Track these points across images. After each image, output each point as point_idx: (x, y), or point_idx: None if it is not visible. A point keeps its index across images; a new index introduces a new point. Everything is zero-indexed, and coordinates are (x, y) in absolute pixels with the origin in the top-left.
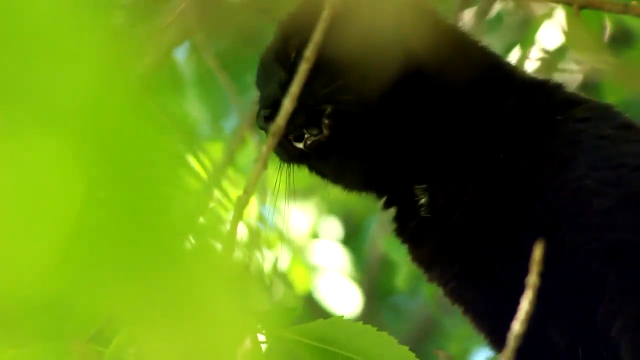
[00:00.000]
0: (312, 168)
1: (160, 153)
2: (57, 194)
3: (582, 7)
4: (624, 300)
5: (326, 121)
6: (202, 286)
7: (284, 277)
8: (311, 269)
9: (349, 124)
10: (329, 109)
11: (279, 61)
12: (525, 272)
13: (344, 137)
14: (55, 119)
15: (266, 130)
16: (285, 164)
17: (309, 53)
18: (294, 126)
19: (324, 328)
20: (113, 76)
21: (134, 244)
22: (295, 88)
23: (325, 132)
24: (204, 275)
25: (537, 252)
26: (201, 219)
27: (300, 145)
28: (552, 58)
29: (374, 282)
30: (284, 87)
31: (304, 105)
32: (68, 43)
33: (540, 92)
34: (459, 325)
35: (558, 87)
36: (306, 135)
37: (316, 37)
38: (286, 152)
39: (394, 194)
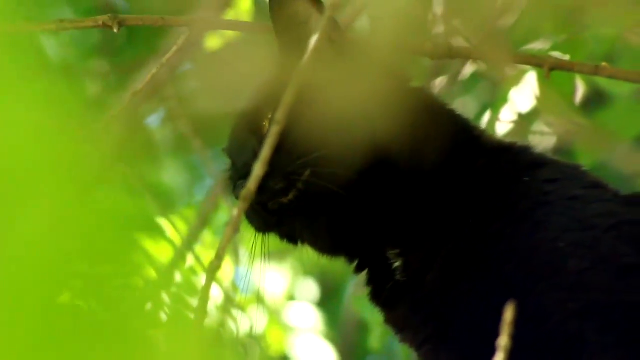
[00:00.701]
0: (283, 235)
1: (128, 218)
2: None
3: (552, 69)
4: (603, 358)
5: (300, 186)
6: (174, 354)
7: (259, 339)
8: (287, 330)
9: (316, 189)
10: (306, 174)
11: (252, 130)
12: (498, 334)
13: (307, 198)
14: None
15: (234, 192)
16: (260, 232)
17: (280, 116)
18: (272, 193)
19: None
20: (81, 146)
21: (95, 311)
22: (265, 152)
23: (290, 196)
24: (175, 342)
25: (509, 314)
26: (173, 287)
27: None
28: (525, 121)
29: (350, 343)
30: (257, 156)
31: (282, 172)
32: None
33: (507, 154)
34: None
35: (525, 150)
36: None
37: (287, 99)
38: (259, 219)
39: (365, 258)
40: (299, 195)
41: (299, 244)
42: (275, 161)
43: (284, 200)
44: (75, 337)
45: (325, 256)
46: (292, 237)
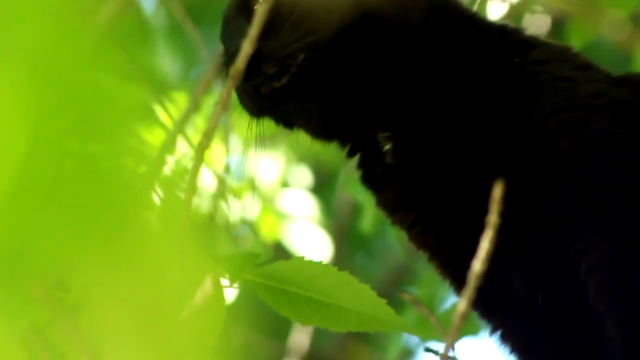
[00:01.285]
0: (277, 120)
1: (120, 100)
2: (4, 133)
3: None
4: (591, 240)
5: (293, 70)
6: (160, 234)
7: (252, 226)
8: (280, 216)
9: (309, 72)
10: (300, 58)
11: (243, 15)
12: (483, 209)
13: (300, 82)
14: (6, 58)
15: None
16: (254, 117)
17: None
18: (265, 77)
19: (285, 269)
20: (71, 21)
21: (86, 189)
22: (253, 31)
23: (283, 80)
24: (163, 222)
25: (497, 191)
26: (165, 168)
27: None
28: (520, 2)
29: (344, 229)
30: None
31: (275, 57)
32: None
33: (498, 36)
34: (426, 270)
35: (516, 31)
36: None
37: None
38: (253, 103)
39: (357, 141)
40: (292, 79)
41: (294, 129)
42: (268, 46)
43: (277, 84)
44: (63, 178)
45: (318, 140)
46: (286, 121)
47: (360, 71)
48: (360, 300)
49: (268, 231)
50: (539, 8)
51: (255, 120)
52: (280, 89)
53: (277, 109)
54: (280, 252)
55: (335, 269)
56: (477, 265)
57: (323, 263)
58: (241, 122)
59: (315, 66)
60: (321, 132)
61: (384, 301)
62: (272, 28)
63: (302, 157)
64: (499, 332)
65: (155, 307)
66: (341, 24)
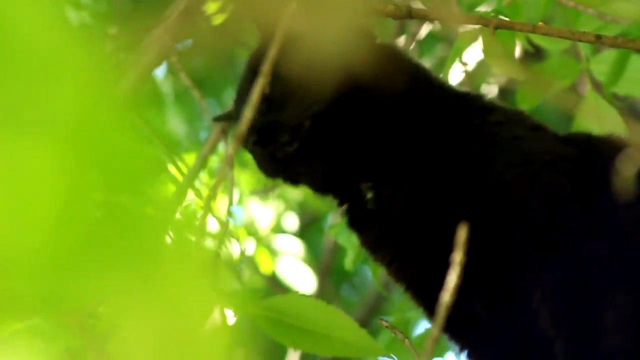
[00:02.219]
0: (286, 178)
1: (141, 159)
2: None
3: (496, 28)
4: (542, 274)
5: (302, 136)
6: (176, 271)
7: (250, 262)
8: (273, 255)
9: (313, 134)
10: (307, 125)
11: (252, 83)
12: (450, 249)
13: (307, 145)
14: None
15: (247, 146)
16: (269, 177)
17: (265, 68)
18: (280, 145)
19: (281, 303)
20: (98, 93)
21: (113, 233)
22: (255, 97)
23: (294, 145)
24: (178, 261)
25: (462, 234)
26: (177, 215)
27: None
28: (475, 72)
29: (329, 266)
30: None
31: (287, 127)
32: (60, 65)
33: (462, 101)
34: (400, 299)
35: (477, 97)
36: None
37: (271, 53)
38: (270, 167)
39: (346, 193)
40: (301, 144)
41: (298, 185)
42: (280, 118)
43: (290, 149)
44: (96, 226)
45: (317, 194)
46: (294, 179)
47: (351, 133)
48: (344, 329)
49: (263, 267)
50: (491, 77)
51: (265, 179)
52: (292, 153)
53: (288, 170)
54: (274, 283)
55: (324, 302)
56: (446, 296)
57: (313, 298)
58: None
59: (318, 131)
60: (321, 186)
61: (364, 331)
62: (281, 101)
63: (290, 207)
64: (465, 352)
65: (173, 332)
66: (337, 94)
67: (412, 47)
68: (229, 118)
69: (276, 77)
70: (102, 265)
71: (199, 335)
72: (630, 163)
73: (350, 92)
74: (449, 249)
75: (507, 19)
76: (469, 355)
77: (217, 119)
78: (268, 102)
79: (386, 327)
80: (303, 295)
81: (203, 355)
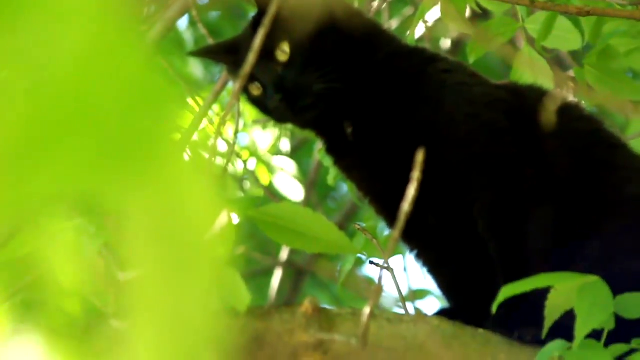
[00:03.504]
0: (297, 123)
1: (165, 90)
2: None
3: None
4: (481, 191)
5: (316, 96)
6: (192, 180)
7: (252, 176)
8: (271, 170)
9: (324, 95)
10: (320, 87)
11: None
12: (410, 170)
13: (319, 103)
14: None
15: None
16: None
17: (266, 21)
18: (303, 107)
19: (277, 209)
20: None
21: (140, 146)
22: (256, 44)
23: (309, 101)
24: (193, 172)
25: (420, 157)
26: (194, 137)
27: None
28: (434, 28)
29: (315, 181)
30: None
31: (311, 92)
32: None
33: (418, 54)
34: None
35: (425, 50)
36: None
37: (272, 9)
38: (286, 116)
39: (330, 129)
40: (314, 101)
41: (303, 127)
42: (303, 83)
43: (306, 104)
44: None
45: (311, 130)
46: (301, 126)
47: (345, 91)
48: (326, 231)
49: (262, 180)
50: (447, 32)
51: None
52: (306, 107)
53: (298, 120)
54: (270, 194)
55: (310, 210)
56: (406, 206)
57: (301, 206)
58: (246, 109)
59: (327, 93)
60: (318, 128)
61: (342, 233)
62: (300, 65)
63: (284, 133)
64: (415, 252)
65: (186, 228)
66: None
67: (383, 7)
68: (208, 52)
69: (293, 45)
70: (126, 171)
71: (209, 232)
72: (553, 102)
73: (346, 61)
74: (409, 169)
75: None
76: (417, 255)
77: (192, 54)
78: (289, 64)
79: (359, 230)
80: (294, 203)
81: (213, 248)
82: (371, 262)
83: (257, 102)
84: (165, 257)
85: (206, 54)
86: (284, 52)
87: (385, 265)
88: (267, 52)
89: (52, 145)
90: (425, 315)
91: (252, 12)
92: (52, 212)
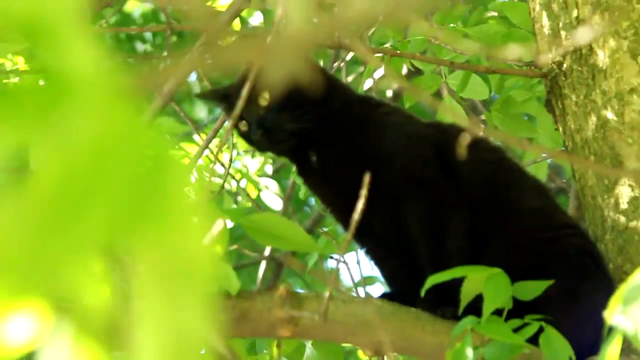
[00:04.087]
0: (274, 152)
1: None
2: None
3: (392, 56)
4: (412, 204)
5: (289, 133)
6: (195, 196)
7: (243, 192)
8: (258, 188)
9: (296, 133)
10: (292, 126)
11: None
12: (359, 189)
13: (291, 138)
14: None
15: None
16: (261, 151)
17: (248, 84)
18: (278, 139)
19: (261, 218)
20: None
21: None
22: (245, 93)
23: (284, 136)
24: (197, 190)
25: (366, 179)
26: (197, 162)
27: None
28: (379, 82)
29: (291, 196)
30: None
31: (283, 129)
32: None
33: (366, 102)
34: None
35: (371, 98)
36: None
37: (251, 77)
38: (267, 147)
39: (299, 157)
40: (287, 136)
41: (278, 155)
42: (280, 123)
43: (284, 143)
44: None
45: (285, 157)
46: (277, 153)
47: (312, 129)
48: (297, 234)
49: (251, 195)
50: (388, 85)
51: (256, 150)
52: (283, 141)
53: (275, 149)
54: (257, 206)
55: (286, 219)
56: (356, 215)
57: (279, 215)
58: (239, 141)
59: (297, 130)
60: (290, 155)
61: (309, 236)
62: (276, 109)
63: (268, 160)
64: (364, 249)
65: (190, 233)
66: (309, 117)
67: (342, 65)
68: (209, 96)
69: (271, 93)
70: (141, 225)
71: (208, 234)
72: (467, 138)
73: (312, 106)
74: (359, 188)
75: (399, 51)
76: (366, 252)
77: (198, 96)
78: (269, 107)
79: (323, 233)
80: (274, 213)
81: (211, 245)
82: (331, 257)
83: (245, 136)
84: (170, 280)
85: (207, 96)
86: (264, 98)
87: (342, 259)
88: (252, 97)
89: (84, 208)
90: (372, 297)
91: (240, 71)
92: (87, 253)
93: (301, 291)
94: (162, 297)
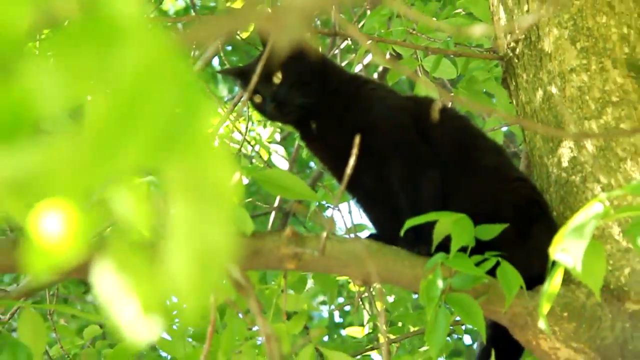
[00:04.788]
0: (284, 122)
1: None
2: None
3: (378, 42)
4: (396, 163)
5: (298, 107)
6: (217, 154)
7: (257, 155)
8: (269, 152)
9: (302, 107)
10: (300, 101)
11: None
12: (351, 147)
13: (300, 111)
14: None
15: (258, 103)
16: (272, 120)
17: (264, 55)
18: (289, 112)
19: (271, 173)
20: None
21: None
22: (259, 69)
23: (294, 109)
24: (220, 149)
25: (357, 140)
26: (220, 130)
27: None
28: (368, 64)
29: (295, 157)
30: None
31: (293, 104)
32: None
33: (356, 80)
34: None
35: (360, 76)
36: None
37: (265, 53)
38: (278, 117)
39: (302, 125)
40: (295, 109)
41: (285, 124)
42: (290, 98)
43: (292, 115)
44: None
45: (291, 126)
46: (284, 122)
47: (314, 103)
48: (301, 187)
49: (263, 157)
50: (376, 67)
51: (268, 120)
52: (292, 113)
53: (283, 119)
54: (268, 165)
55: (291, 174)
56: (348, 171)
57: (287, 172)
58: (253, 113)
59: (303, 104)
60: (295, 124)
61: (310, 188)
62: (288, 85)
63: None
64: (355, 199)
65: (213, 181)
66: (315, 93)
67: (337, 52)
68: (230, 72)
69: (284, 74)
70: (176, 151)
71: (226, 184)
72: (439, 106)
73: (315, 85)
74: (350, 147)
75: (384, 38)
76: (356, 201)
77: (220, 72)
78: (281, 85)
79: (321, 187)
80: (282, 170)
81: (229, 196)
82: (328, 206)
83: (259, 108)
84: (199, 200)
85: (228, 72)
86: (278, 77)
87: (337, 208)
88: (267, 75)
89: (128, 136)
90: (360, 238)
91: (257, 53)
92: (131, 174)
93: (303, 233)
94: (192, 214)
